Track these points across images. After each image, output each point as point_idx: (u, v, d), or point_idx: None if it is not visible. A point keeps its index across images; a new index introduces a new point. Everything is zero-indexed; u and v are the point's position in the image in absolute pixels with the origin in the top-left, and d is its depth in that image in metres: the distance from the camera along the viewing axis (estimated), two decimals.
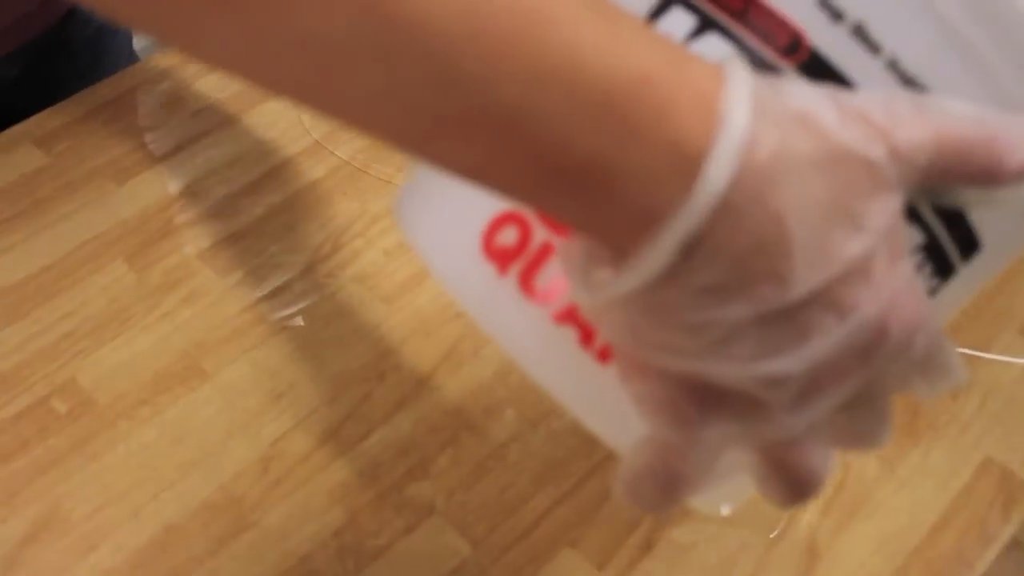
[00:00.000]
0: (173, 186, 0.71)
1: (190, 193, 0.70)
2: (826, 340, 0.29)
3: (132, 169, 0.72)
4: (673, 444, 0.32)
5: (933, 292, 0.34)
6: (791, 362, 0.29)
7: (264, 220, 0.69)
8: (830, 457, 0.33)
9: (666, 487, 0.32)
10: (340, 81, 0.27)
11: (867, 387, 0.31)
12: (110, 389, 0.60)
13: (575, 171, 0.28)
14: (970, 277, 0.35)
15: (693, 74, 0.28)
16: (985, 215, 0.33)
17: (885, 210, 0.29)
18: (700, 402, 0.31)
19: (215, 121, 0.75)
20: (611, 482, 0.58)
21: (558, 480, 0.58)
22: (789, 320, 0.29)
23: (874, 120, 0.29)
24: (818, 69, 0.32)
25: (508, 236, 0.35)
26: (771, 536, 0.56)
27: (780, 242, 0.28)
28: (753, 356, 0.29)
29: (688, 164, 0.27)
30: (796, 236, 0.28)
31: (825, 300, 0.28)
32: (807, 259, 0.28)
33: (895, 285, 0.29)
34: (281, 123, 0.75)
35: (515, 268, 0.35)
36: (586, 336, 0.35)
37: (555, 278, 0.35)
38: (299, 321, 0.64)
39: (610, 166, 0.28)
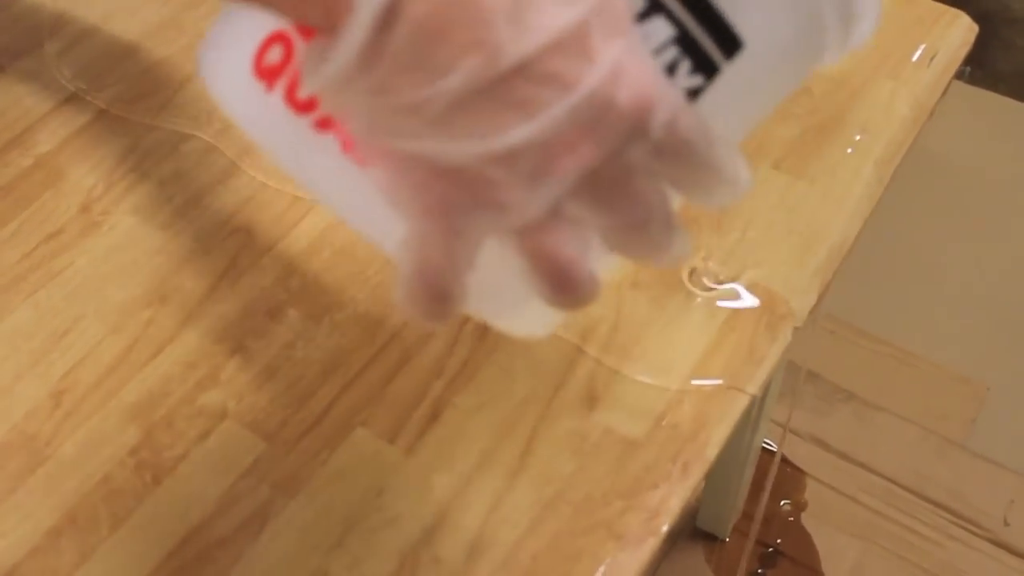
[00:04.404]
0: None
1: None
2: (549, 112, 0.30)
3: None
4: (428, 236, 0.33)
5: (698, 90, 0.34)
6: (515, 135, 0.30)
7: (34, 170, 0.69)
8: (588, 251, 0.34)
9: (434, 285, 0.33)
10: None
11: (610, 170, 0.32)
12: None
13: None
14: (746, 79, 0.35)
15: None
16: (739, 9, 0.34)
17: None
18: (443, 187, 0.32)
19: None
20: (393, 363, 0.60)
21: (344, 368, 0.59)
22: (508, 94, 0.30)
23: None
24: None
25: (274, 55, 0.37)
26: (552, 387, 0.58)
27: (478, 11, 0.29)
28: (476, 132, 0.30)
29: None
30: (494, 4, 0.29)
31: (541, 72, 0.30)
32: (511, 28, 0.29)
33: (615, 57, 0.30)
34: (42, 77, 0.75)
35: (281, 83, 0.37)
36: (347, 143, 0.37)
37: None
38: (79, 260, 0.64)
39: None
